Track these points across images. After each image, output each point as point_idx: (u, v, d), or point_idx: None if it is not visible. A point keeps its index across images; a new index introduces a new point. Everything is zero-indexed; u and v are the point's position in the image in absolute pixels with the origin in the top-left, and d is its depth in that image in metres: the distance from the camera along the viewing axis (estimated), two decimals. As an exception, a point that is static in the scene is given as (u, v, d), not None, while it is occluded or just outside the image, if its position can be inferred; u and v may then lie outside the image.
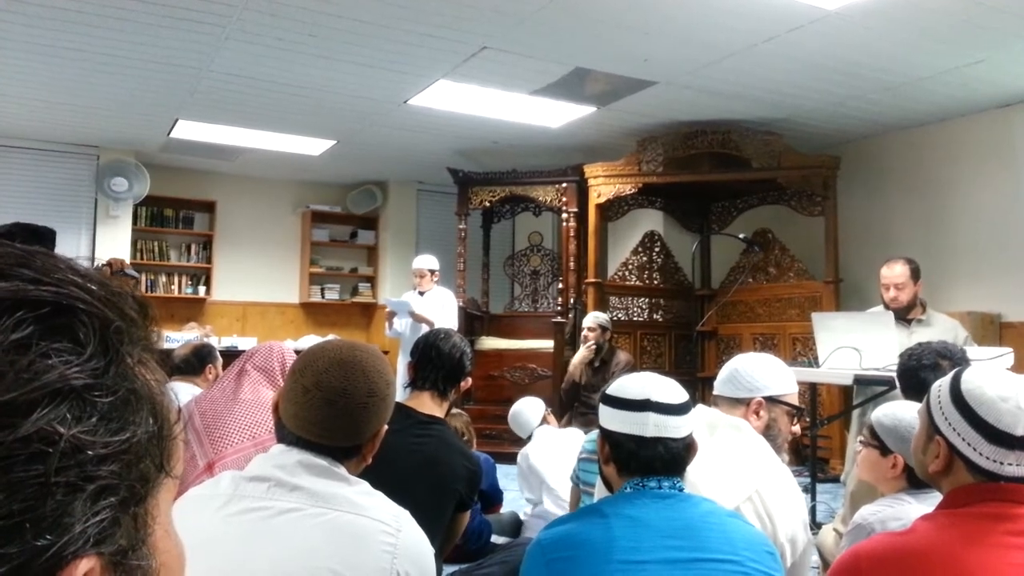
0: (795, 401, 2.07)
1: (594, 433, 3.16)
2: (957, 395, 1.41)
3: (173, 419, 0.44)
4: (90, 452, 0.37)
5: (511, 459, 5.37)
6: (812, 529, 2.14)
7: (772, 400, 2.01)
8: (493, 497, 3.99)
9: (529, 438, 4.02)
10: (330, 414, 1.34)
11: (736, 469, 1.77)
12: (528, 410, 4.09)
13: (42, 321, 0.38)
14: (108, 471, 0.37)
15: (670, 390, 1.55)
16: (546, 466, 3.71)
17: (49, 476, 0.35)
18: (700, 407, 2.03)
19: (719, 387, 2.06)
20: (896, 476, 1.93)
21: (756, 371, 2.02)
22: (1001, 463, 1.34)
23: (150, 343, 0.44)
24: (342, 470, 1.34)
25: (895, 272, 3.99)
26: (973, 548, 1.29)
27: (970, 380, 1.41)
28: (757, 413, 1.99)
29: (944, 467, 1.42)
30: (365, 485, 1.35)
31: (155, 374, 0.44)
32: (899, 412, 1.93)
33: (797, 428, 2.12)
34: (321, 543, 1.23)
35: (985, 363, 2.70)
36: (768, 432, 1.99)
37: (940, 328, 3.86)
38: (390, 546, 1.27)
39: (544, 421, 4.06)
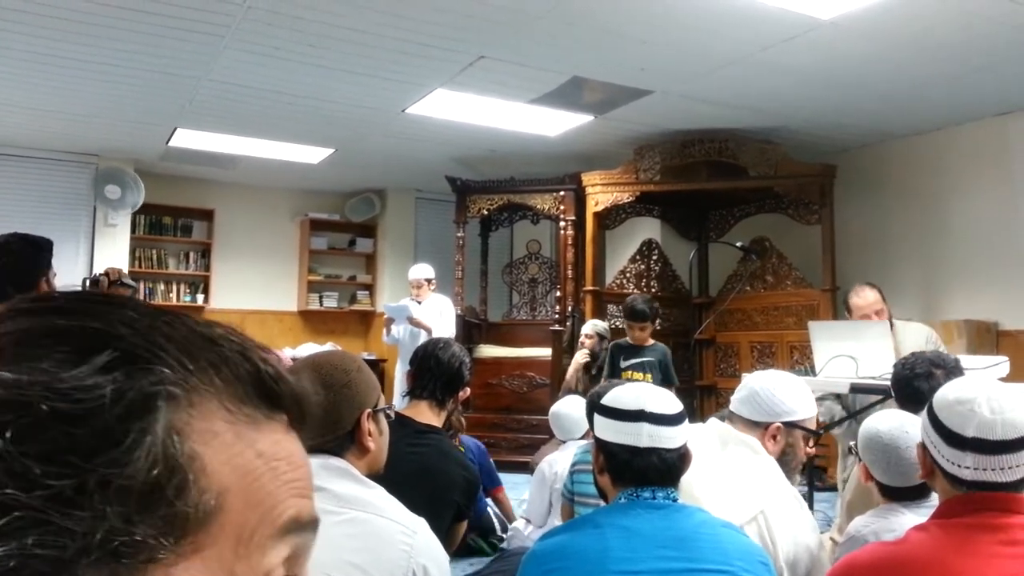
0: (813, 425, 1.99)
1: (587, 444, 3.15)
2: (930, 402, 1.46)
3: (203, 495, 0.36)
4: (20, 474, 0.31)
5: (509, 467, 5.37)
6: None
7: (791, 425, 1.94)
8: (489, 481, 3.89)
9: (561, 443, 3.72)
10: None
11: (744, 489, 1.76)
12: (577, 414, 3.58)
13: (68, 349, 0.35)
14: (52, 508, 0.31)
15: (664, 400, 1.56)
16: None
17: None
18: (713, 421, 2.00)
19: (736, 406, 1.98)
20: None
21: (777, 395, 1.92)
22: (958, 465, 1.37)
23: (229, 407, 0.38)
24: (356, 471, 1.43)
25: (870, 300, 3.89)
26: (966, 558, 1.30)
27: (945, 387, 1.46)
28: (774, 438, 1.92)
29: (928, 473, 1.47)
30: (381, 490, 1.43)
31: (215, 441, 0.37)
32: (870, 423, 1.91)
33: (812, 450, 2.04)
34: (344, 540, 1.32)
35: (978, 372, 2.71)
36: (783, 457, 1.92)
37: (911, 339, 3.75)
38: (407, 545, 1.35)
39: (586, 435, 3.58)
